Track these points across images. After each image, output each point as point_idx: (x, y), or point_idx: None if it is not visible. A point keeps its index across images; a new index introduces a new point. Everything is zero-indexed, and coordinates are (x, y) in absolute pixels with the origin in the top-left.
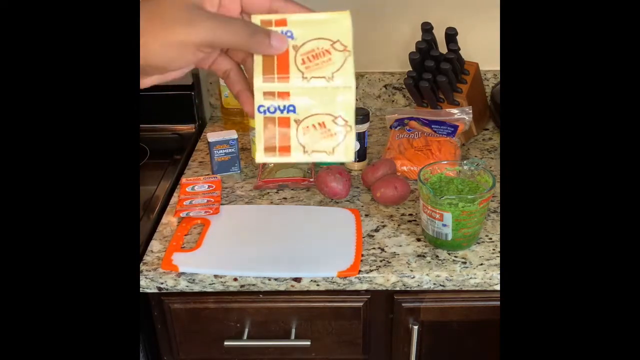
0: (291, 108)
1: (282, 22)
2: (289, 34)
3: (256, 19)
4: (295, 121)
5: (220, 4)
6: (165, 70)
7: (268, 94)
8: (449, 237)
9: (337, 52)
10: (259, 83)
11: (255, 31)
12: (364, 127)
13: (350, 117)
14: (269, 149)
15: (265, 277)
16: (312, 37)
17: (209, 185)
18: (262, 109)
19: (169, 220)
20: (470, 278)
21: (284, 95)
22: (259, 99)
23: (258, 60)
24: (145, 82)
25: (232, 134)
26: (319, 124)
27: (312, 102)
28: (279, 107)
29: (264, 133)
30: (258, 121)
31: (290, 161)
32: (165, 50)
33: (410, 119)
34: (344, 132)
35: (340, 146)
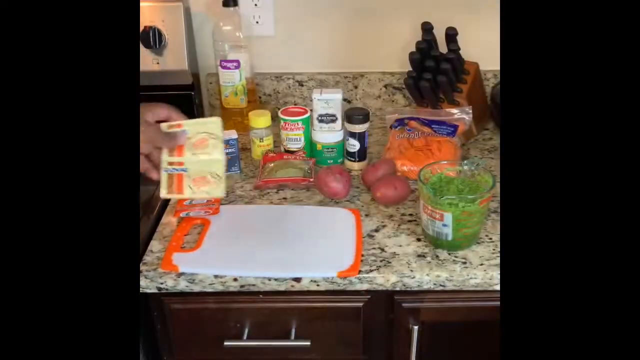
0: (184, 169)
1: (179, 125)
2: (184, 132)
3: (164, 126)
4: (188, 176)
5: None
6: None
7: (171, 163)
8: (449, 237)
9: (213, 140)
10: (166, 157)
11: (167, 135)
12: (364, 127)
13: (220, 173)
14: (170, 190)
15: (265, 277)
16: (198, 132)
17: None
18: (166, 170)
19: (168, 220)
20: (471, 278)
21: (180, 164)
22: (165, 166)
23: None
24: None
25: (232, 134)
26: (202, 178)
27: (199, 167)
28: (176, 169)
29: (167, 182)
30: (163, 176)
31: (183, 197)
32: None
33: (410, 119)
34: (217, 181)
35: (216, 189)
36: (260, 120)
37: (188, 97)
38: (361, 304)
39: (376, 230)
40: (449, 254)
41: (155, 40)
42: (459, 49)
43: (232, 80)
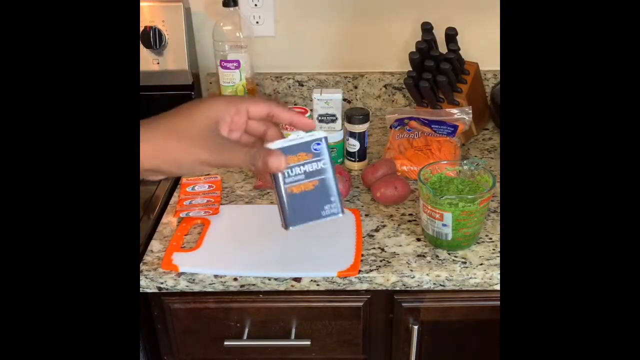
0: None
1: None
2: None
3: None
4: None
5: (231, 120)
6: (174, 174)
7: None
8: (449, 237)
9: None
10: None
11: (253, 156)
12: (364, 127)
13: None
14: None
15: (265, 277)
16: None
17: (209, 185)
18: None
19: (169, 220)
20: (470, 278)
21: None
22: None
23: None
24: (153, 177)
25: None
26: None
27: None
28: None
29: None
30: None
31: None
32: (181, 162)
33: (410, 119)
34: None
35: None
36: None
37: (188, 97)
38: (361, 304)
39: (376, 230)
40: (449, 253)
41: (155, 40)
42: (459, 49)
43: (232, 80)
